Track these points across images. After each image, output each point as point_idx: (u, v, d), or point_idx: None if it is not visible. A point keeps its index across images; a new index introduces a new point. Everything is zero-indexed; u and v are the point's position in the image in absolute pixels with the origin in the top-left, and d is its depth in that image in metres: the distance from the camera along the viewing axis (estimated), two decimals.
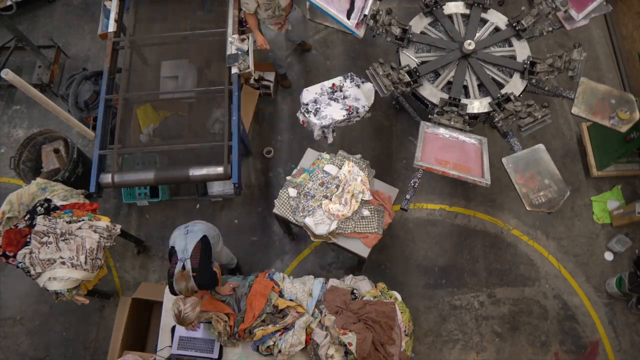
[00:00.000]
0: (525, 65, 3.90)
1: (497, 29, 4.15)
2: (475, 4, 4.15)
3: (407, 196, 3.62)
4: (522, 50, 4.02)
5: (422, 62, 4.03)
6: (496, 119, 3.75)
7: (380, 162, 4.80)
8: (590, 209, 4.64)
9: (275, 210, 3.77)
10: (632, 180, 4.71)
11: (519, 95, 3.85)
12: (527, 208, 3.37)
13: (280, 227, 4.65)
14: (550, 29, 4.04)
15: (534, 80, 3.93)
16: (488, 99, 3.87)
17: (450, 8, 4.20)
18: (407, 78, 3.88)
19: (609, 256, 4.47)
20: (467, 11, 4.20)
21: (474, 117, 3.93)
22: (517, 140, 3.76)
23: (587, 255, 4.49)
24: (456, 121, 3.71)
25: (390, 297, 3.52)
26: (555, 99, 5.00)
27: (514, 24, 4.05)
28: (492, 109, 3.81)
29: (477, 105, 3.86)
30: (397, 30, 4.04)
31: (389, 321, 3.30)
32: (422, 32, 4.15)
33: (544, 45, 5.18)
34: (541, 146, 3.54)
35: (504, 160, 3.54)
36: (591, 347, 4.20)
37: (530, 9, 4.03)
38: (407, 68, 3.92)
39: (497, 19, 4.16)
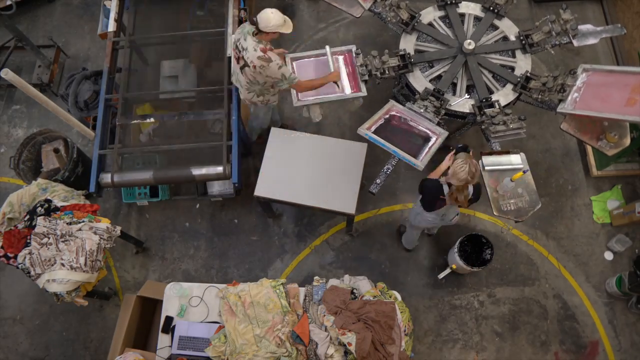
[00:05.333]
0: (519, 79, 3.89)
1: (505, 38, 4.13)
2: (491, 9, 4.14)
3: (377, 180, 3.68)
4: (523, 64, 4.00)
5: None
6: (480, 122, 3.77)
7: (379, 160, 4.79)
8: (590, 208, 4.65)
9: (256, 193, 3.86)
10: (632, 180, 4.71)
11: (506, 106, 3.85)
12: (495, 212, 3.41)
13: (279, 226, 4.67)
14: (557, 42, 4.02)
15: (522, 95, 3.92)
16: (472, 101, 3.88)
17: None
18: (394, 62, 3.90)
19: (608, 256, 4.47)
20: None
21: (457, 115, 3.94)
22: (498, 145, 3.77)
23: (587, 255, 4.49)
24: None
25: (390, 297, 3.52)
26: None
27: (522, 38, 4.03)
28: (472, 111, 3.82)
29: (460, 103, 3.88)
30: (405, 15, 4.05)
31: (388, 321, 3.30)
32: (429, 24, 4.16)
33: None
34: (521, 155, 3.56)
35: (480, 162, 3.55)
36: (591, 347, 4.21)
37: (537, 21, 4.02)
38: (402, 52, 3.94)
39: (508, 28, 4.14)
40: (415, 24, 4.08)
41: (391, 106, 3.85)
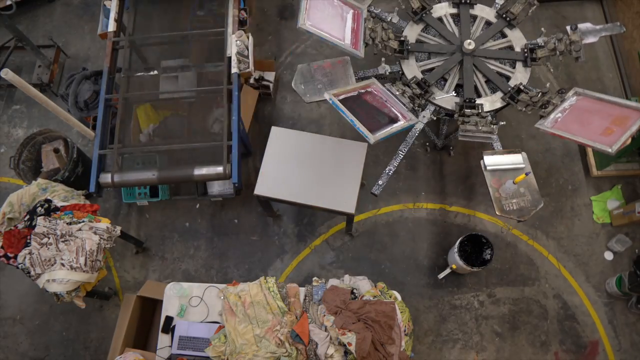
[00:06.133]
0: (525, 54, 3.90)
1: (487, 23, 4.15)
2: (462, 2, 4.15)
3: (380, 182, 3.69)
4: (517, 39, 4.03)
5: (426, 70, 4.04)
6: (455, 120, 3.81)
7: (379, 160, 4.80)
8: (590, 208, 4.64)
9: (256, 192, 3.88)
10: (632, 180, 4.71)
11: (490, 111, 3.86)
12: (497, 212, 3.43)
13: (279, 226, 4.67)
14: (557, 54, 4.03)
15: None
16: (499, 94, 3.88)
17: (438, 10, 4.20)
18: (394, 45, 3.95)
19: (608, 256, 4.47)
20: (455, 10, 4.21)
21: (448, 113, 3.97)
22: (500, 145, 3.77)
23: (587, 255, 4.49)
24: (482, 125, 3.72)
25: (390, 297, 3.52)
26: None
27: (504, 15, 4.06)
28: (506, 103, 3.83)
29: (446, 99, 3.90)
30: (395, 44, 4.05)
31: (388, 321, 3.30)
32: (417, 40, 4.15)
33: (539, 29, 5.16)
34: (523, 154, 3.57)
35: (482, 162, 3.55)
36: (591, 347, 4.21)
37: (535, 20, 4.07)
38: (414, 79, 3.93)
39: (485, 13, 4.18)
40: (424, 15, 4.10)
41: (371, 83, 3.87)
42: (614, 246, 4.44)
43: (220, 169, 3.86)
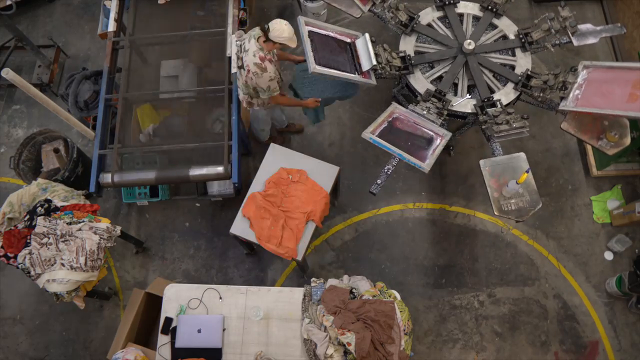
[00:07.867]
0: (520, 78, 3.88)
1: (504, 37, 4.13)
2: (489, 8, 4.14)
3: (378, 181, 3.66)
4: (523, 63, 4.00)
5: (420, 52, 4.03)
6: (482, 123, 3.76)
7: (379, 160, 4.80)
8: (590, 208, 4.65)
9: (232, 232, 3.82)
10: (632, 180, 4.71)
11: (507, 105, 3.84)
12: (495, 212, 3.41)
13: None
14: (557, 42, 4.01)
15: (523, 94, 3.89)
16: (473, 101, 3.88)
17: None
18: (397, 62, 3.91)
19: (608, 256, 4.47)
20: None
21: (458, 115, 3.94)
22: (499, 145, 3.77)
23: (587, 255, 4.49)
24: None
25: (390, 296, 3.52)
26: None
27: (522, 36, 4.02)
28: (474, 111, 3.82)
29: (462, 103, 3.87)
30: (403, 16, 4.04)
31: (388, 320, 3.30)
32: (428, 24, 4.16)
33: None
34: (522, 155, 3.56)
35: (481, 162, 3.55)
36: (591, 347, 4.21)
37: (537, 19, 4.01)
38: (402, 54, 3.94)
39: (507, 27, 4.14)
40: (414, 25, 4.08)
41: (394, 109, 3.85)
42: (614, 246, 4.44)
43: (220, 169, 3.86)
